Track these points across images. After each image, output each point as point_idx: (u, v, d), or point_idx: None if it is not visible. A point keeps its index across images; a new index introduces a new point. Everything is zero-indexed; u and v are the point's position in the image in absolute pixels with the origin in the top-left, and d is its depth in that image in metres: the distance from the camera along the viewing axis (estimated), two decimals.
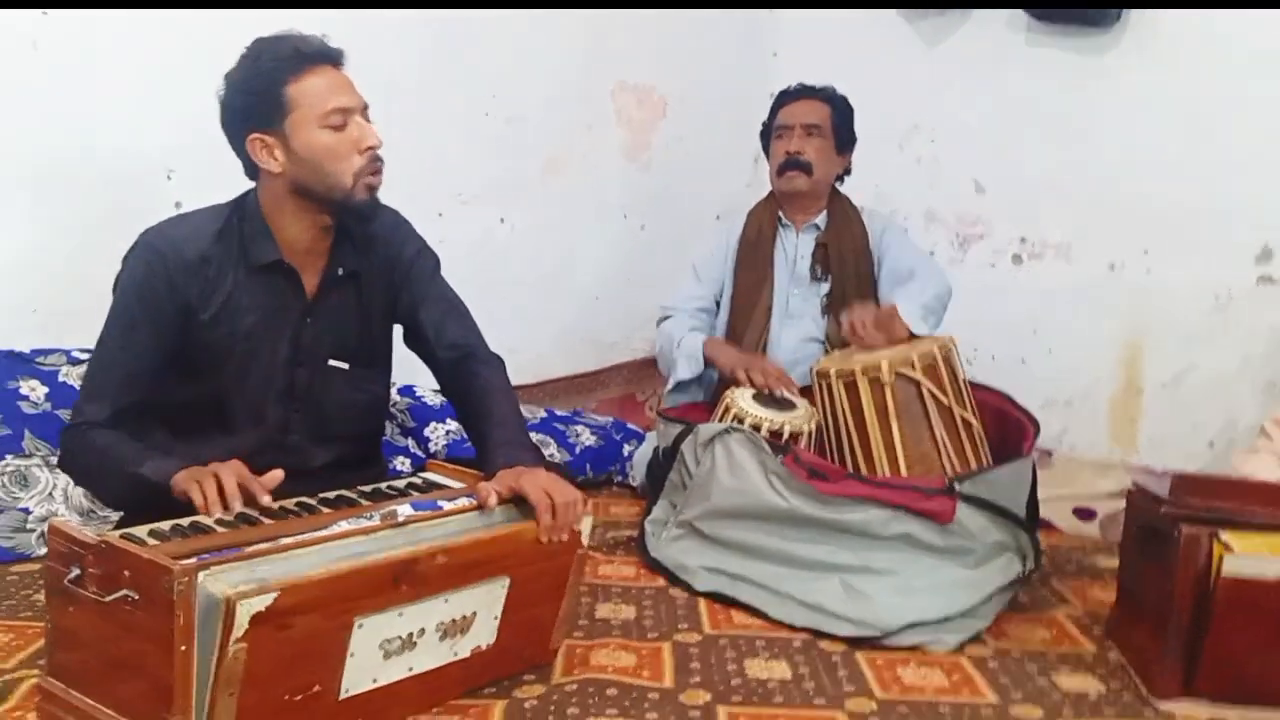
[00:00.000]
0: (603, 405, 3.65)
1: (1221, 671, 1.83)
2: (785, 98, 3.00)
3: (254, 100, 1.79)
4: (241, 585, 1.39)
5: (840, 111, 2.96)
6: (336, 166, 1.81)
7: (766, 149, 3.03)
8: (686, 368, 2.85)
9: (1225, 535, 1.80)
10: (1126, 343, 3.41)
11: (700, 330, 2.95)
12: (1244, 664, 1.82)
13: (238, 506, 1.59)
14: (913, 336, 2.58)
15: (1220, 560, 1.77)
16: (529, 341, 3.41)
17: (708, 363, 2.84)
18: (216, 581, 1.39)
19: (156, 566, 1.39)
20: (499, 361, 2.05)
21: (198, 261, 1.83)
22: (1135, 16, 3.30)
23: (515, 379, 3.25)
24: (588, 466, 3.01)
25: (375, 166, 1.85)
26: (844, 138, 2.97)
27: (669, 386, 2.92)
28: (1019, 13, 3.43)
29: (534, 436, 2.95)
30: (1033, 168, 3.51)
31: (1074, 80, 3.41)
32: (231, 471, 1.63)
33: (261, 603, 1.38)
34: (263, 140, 1.81)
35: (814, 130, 2.91)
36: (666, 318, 3.01)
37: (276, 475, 1.67)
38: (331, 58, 1.83)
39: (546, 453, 2.92)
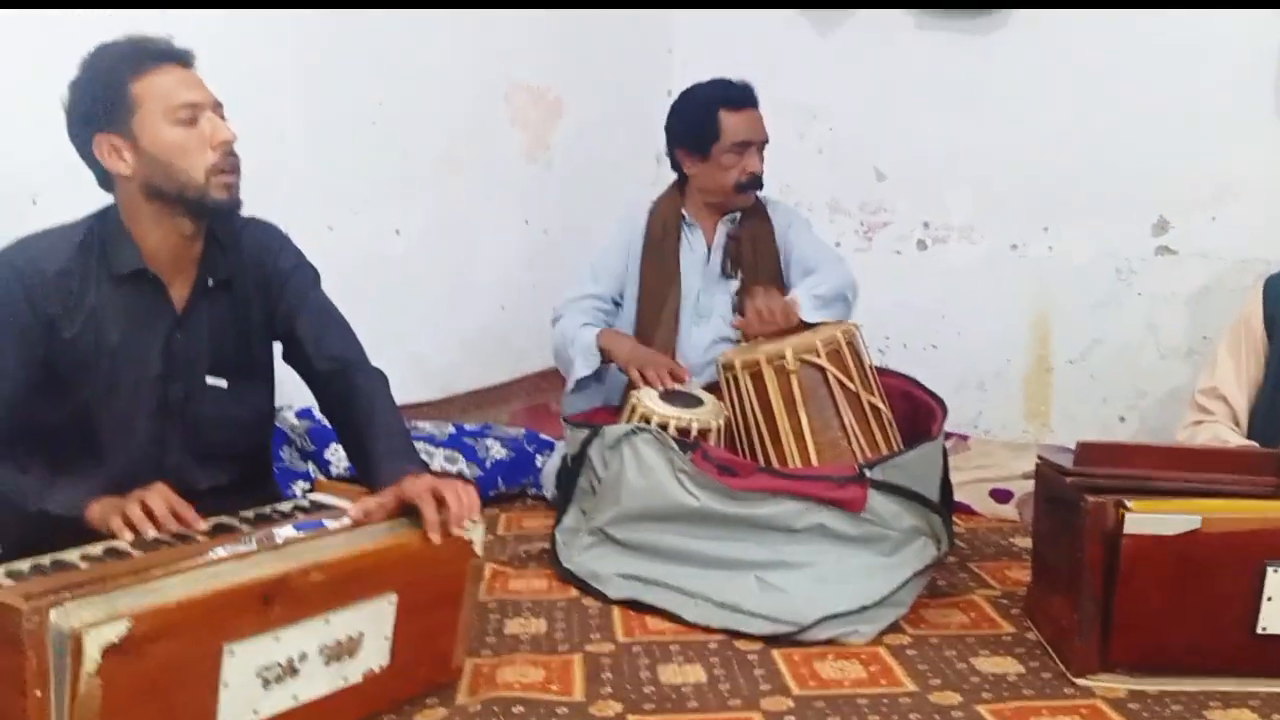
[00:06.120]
0: (516, 416, 3.56)
1: (1135, 639, 1.81)
2: (732, 103, 2.77)
3: (97, 101, 1.70)
4: (90, 617, 1.29)
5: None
6: (187, 163, 1.72)
7: (698, 146, 2.78)
8: (584, 363, 2.72)
9: (1131, 503, 1.78)
10: (1034, 321, 3.42)
11: (594, 326, 2.81)
12: (1155, 628, 1.80)
13: (172, 528, 1.59)
14: (805, 325, 2.53)
15: (1122, 522, 1.75)
16: (437, 351, 3.32)
17: (604, 356, 2.72)
18: (67, 616, 1.29)
19: (4, 607, 1.29)
20: (381, 375, 1.94)
21: (57, 276, 1.74)
22: None
23: (423, 393, 3.21)
24: (499, 480, 2.92)
25: (231, 164, 1.76)
26: None
27: (569, 388, 2.81)
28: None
29: (442, 452, 2.88)
30: (931, 151, 3.50)
31: (965, 61, 3.41)
32: (160, 496, 1.62)
33: (113, 632, 1.29)
34: (110, 142, 1.72)
35: (764, 146, 2.81)
36: (559, 318, 2.86)
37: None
38: (177, 57, 1.76)
39: (455, 468, 2.82)
